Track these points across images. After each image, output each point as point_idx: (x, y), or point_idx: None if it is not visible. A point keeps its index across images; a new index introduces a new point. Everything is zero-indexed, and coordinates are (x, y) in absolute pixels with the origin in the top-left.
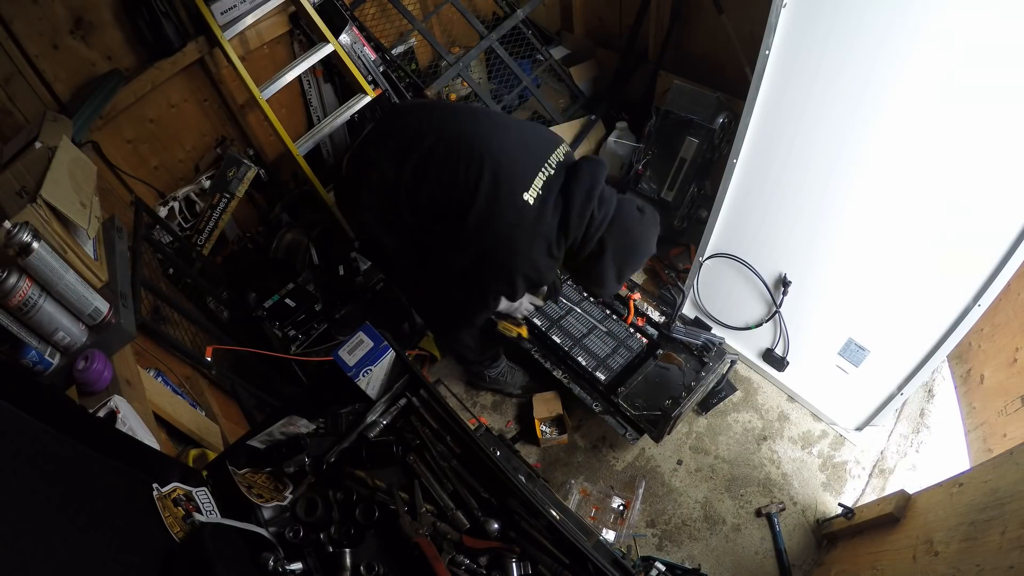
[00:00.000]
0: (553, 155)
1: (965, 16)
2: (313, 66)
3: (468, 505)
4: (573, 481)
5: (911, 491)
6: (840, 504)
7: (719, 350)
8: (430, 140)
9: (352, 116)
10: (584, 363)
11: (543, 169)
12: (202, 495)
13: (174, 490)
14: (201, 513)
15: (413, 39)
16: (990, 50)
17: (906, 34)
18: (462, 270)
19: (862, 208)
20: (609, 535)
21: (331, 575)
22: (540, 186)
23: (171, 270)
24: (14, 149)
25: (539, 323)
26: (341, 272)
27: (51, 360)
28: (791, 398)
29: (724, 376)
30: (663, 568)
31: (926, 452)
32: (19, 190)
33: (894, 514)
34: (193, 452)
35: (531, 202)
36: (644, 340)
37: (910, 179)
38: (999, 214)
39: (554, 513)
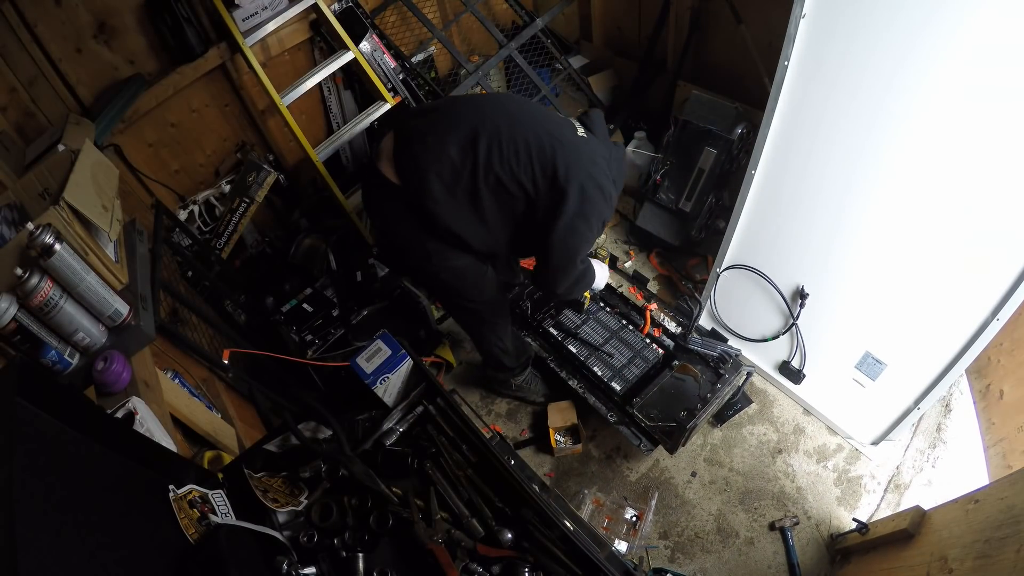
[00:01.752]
0: (563, 115)
1: (988, 25)
2: (333, 73)
3: (483, 514)
4: (586, 491)
5: (926, 507)
6: (854, 519)
7: (735, 362)
8: (489, 123)
9: (372, 123)
10: (600, 373)
11: (568, 120)
12: (218, 497)
13: (190, 492)
14: (216, 515)
15: (433, 47)
16: (1013, 61)
17: (926, 45)
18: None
19: (880, 220)
20: (621, 546)
21: None
22: (579, 127)
23: (190, 273)
24: (37, 151)
25: (555, 333)
26: (359, 278)
27: (71, 360)
28: (807, 411)
29: (740, 388)
30: None
31: (942, 468)
32: (42, 192)
33: (909, 530)
34: (209, 454)
35: (584, 135)
36: (660, 351)
37: (929, 191)
38: (1018, 227)
39: (568, 524)
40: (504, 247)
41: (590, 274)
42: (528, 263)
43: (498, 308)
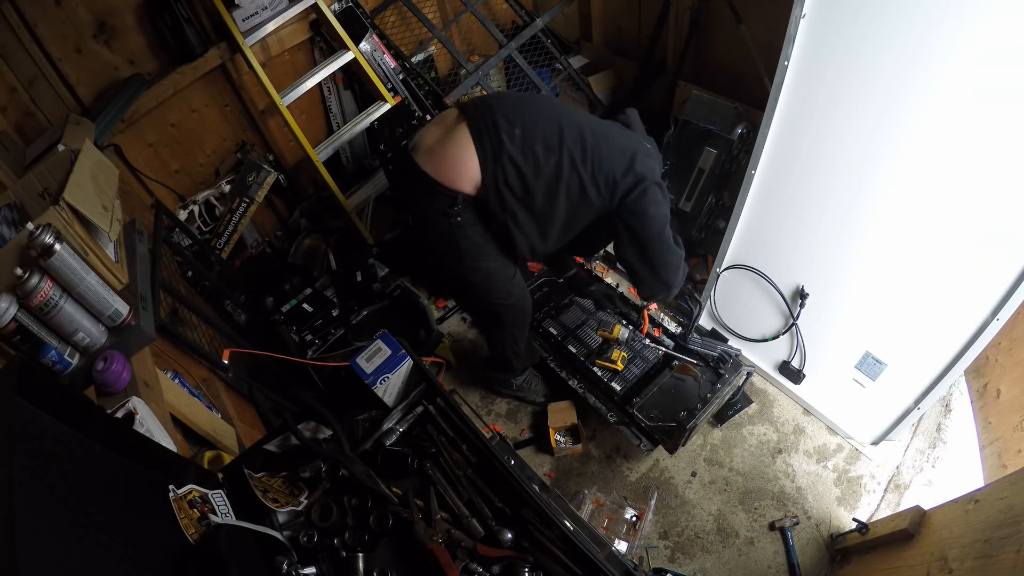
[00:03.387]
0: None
1: (988, 25)
2: (333, 73)
3: (483, 514)
4: (586, 491)
5: (927, 507)
6: (854, 519)
7: (735, 362)
8: (572, 123)
9: (372, 123)
10: (600, 373)
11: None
12: (217, 497)
13: (190, 492)
14: (216, 515)
15: (433, 47)
16: (1012, 61)
17: (926, 45)
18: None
19: (881, 220)
20: (621, 546)
21: None
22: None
23: (190, 273)
24: (37, 151)
25: (555, 332)
26: (359, 278)
27: (71, 360)
28: (807, 411)
29: (740, 388)
30: None
31: (942, 467)
32: (42, 192)
33: (909, 530)
34: (209, 454)
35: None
36: (660, 351)
37: (929, 191)
38: (1019, 227)
39: (568, 524)
40: (551, 246)
41: (682, 254)
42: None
43: (519, 313)
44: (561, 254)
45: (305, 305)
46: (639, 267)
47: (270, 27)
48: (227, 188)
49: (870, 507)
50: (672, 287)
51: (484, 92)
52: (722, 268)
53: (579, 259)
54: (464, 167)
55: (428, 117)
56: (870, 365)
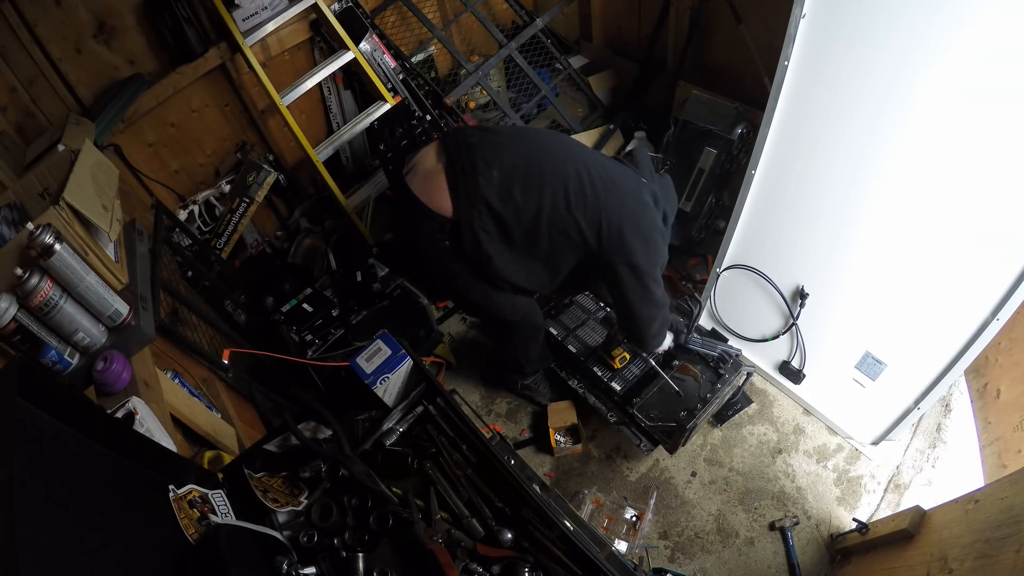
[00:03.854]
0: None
1: (987, 25)
2: (333, 73)
3: (482, 514)
4: (586, 491)
5: (926, 507)
6: (854, 519)
7: (735, 362)
8: (559, 167)
9: (372, 123)
10: (600, 373)
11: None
12: (217, 497)
13: (190, 492)
14: (216, 515)
15: (433, 47)
16: (1011, 61)
17: (926, 45)
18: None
19: (880, 220)
20: (621, 546)
21: None
22: (623, 160)
23: (190, 273)
24: (37, 151)
25: (555, 332)
26: (359, 278)
27: (71, 360)
28: (807, 411)
29: (740, 388)
30: None
31: (942, 467)
32: (42, 192)
33: (909, 530)
34: (208, 454)
35: (631, 169)
36: (660, 351)
37: (929, 191)
38: (1018, 227)
39: (568, 524)
40: (546, 287)
41: (666, 312)
42: None
43: (529, 328)
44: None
45: (305, 305)
46: (618, 310)
47: (270, 27)
48: (227, 188)
49: (870, 507)
50: (646, 341)
51: (483, 92)
52: (722, 268)
53: None
54: (445, 199)
55: (428, 117)
56: (870, 365)
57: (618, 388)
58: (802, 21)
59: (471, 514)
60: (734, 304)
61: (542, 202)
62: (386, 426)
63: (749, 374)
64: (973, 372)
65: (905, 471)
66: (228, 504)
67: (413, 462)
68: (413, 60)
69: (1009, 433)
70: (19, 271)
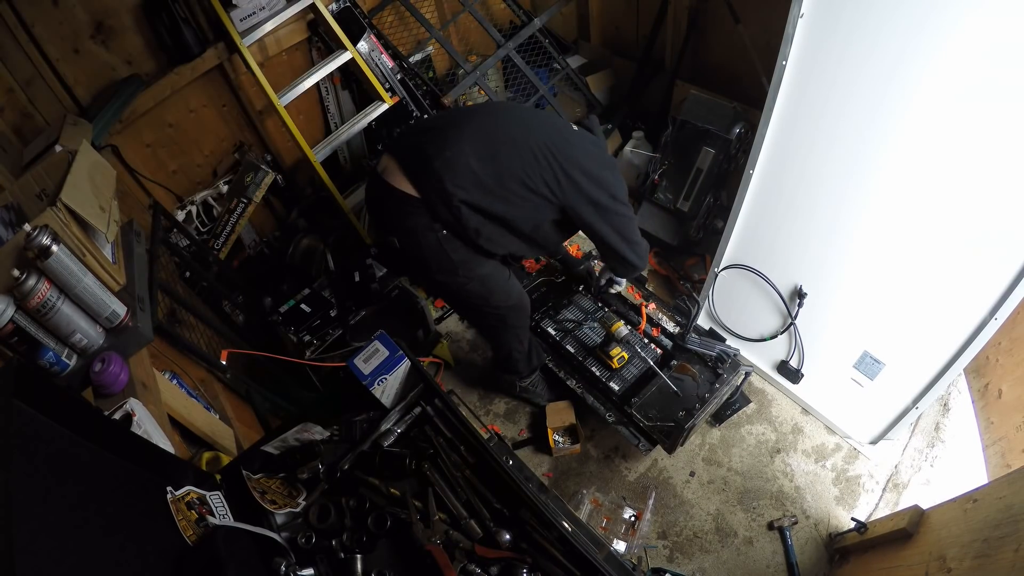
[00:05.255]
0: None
1: (986, 24)
2: (331, 73)
3: (481, 515)
4: (585, 491)
5: (925, 506)
6: (853, 518)
7: (733, 362)
8: (503, 132)
9: (370, 123)
10: (598, 373)
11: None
12: (215, 499)
13: (188, 493)
14: (214, 517)
15: (431, 47)
16: (1010, 61)
17: (924, 44)
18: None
19: (878, 220)
20: (620, 546)
21: None
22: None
23: (188, 274)
24: (34, 152)
25: (553, 332)
26: (357, 278)
27: (68, 362)
28: (805, 411)
29: (738, 388)
30: None
31: (941, 467)
32: (39, 193)
33: (907, 529)
34: (207, 455)
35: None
36: (658, 350)
37: (927, 190)
38: (1017, 226)
39: (566, 525)
40: (532, 247)
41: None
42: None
43: (521, 312)
44: (542, 250)
45: (303, 305)
46: (598, 246)
47: (268, 27)
48: (225, 188)
49: (868, 506)
50: (634, 265)
51: (481, 92)
52: (720, 268)
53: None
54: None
55: (426, 117)
56: (868, 364)
57: (616, 388)
58: (800, 21)
59: (469, 515)
60: (732, 304)
61: (500, 166)
62: (384, 427)
63: (747, 374)
64: (974, 372)
65: (903, 470)
66: (226, 505)
67: (411, 463)
68: (411, 60)
69: (1012, 433)
70: (16, 272)
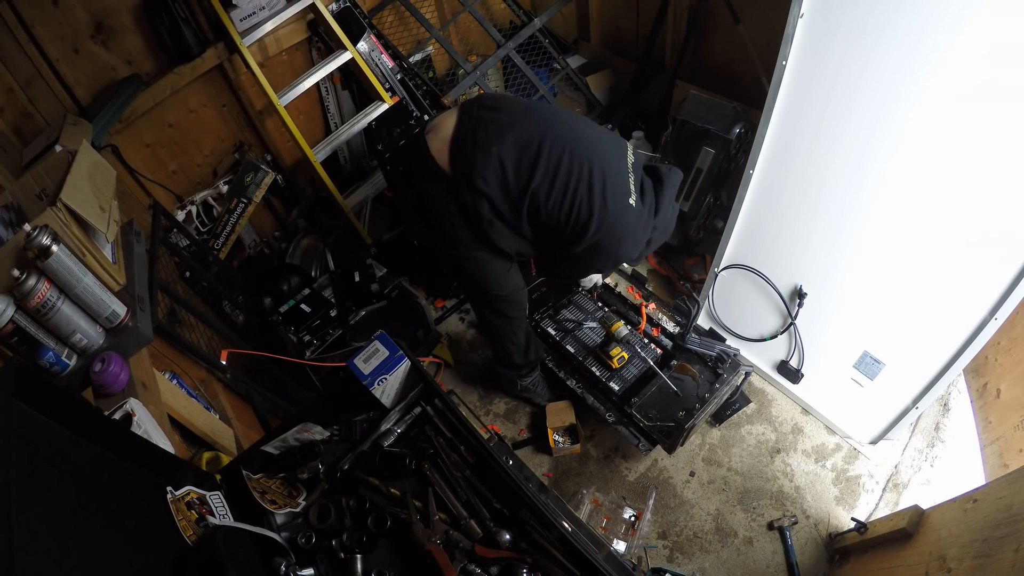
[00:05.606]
0: (628, 156)
1: (987, 24)
2: (331, 73)
3: (481, 515)
4: (585, 491)
5: (925, 506)
6: (853, 518)
7: (733, 362)
8: (548, 150)
9: (370, 123)
10: (598, 373)
11: (630, 173)
12: (215, 499)
13: (188, 493)
14: (214, 517)
15: (431, 47)
16: (1010, 61)
17: (925, 44)
18: (571, 256)
19: (879, 220)
20: (620, 546)
21: None
22: (636, 190)
23: (188, 274)
24: (34, 152)
25: (553, 332)
26: (357, 278)
27: (68, 362)
28: (805, 411)
29: (738, 388)
30: None
31: (941, 467)
32: (39, 193)
33: (907, 529)
34: (207, 455)
35: (635, 205)
36: (658, 350)
37: (927, 190)
38: (1017, 226)
39: (566, 525)
40: (535, 250)
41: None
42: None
43: (515, 305)
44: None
45: (303, 305)
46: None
47: (268, 27)
48: (225, 188)
49: (868, 506)
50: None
51: (481, 92)
52: (720, 268)
53: None
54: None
55: (426, 117)
56: (868, 364)
57: (616, 388)
58: (800, 21)
59: (469, 515)
60: (732, 304)
61: (529, 184)
62: (384, 427)
63: (747, 374)
64: (973, 372)
65: (903, 470)
66: (226, 505)
67: (411, 463)
68: (411, 60)
69: (1010, 432)
70: (16, 272)
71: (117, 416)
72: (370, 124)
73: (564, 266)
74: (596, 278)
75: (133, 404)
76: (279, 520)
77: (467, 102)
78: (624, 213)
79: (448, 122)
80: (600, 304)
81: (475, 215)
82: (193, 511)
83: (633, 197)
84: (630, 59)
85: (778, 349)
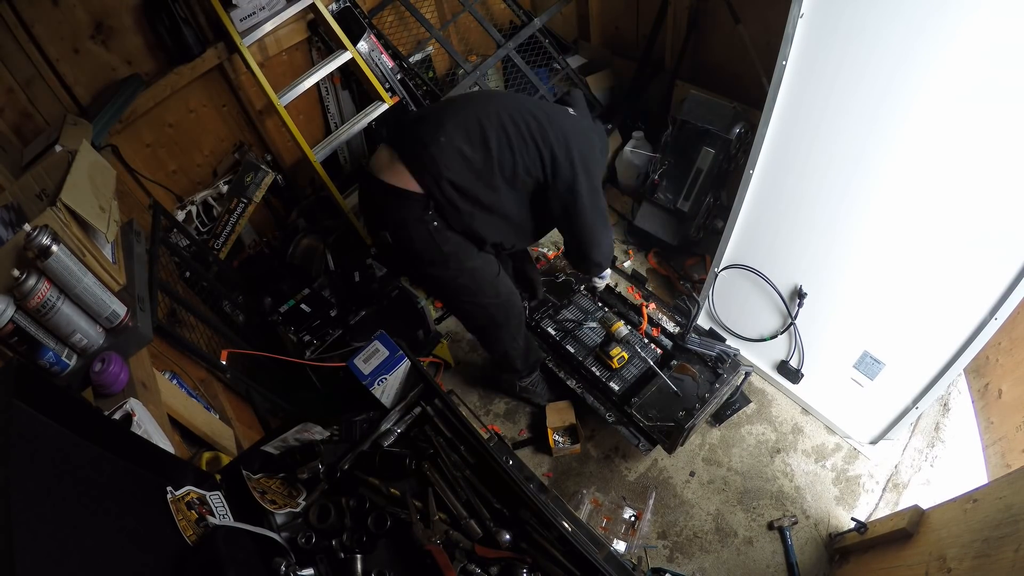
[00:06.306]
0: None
1: (986, 24)
2: (331, 73)
3: (481, 515)
4: (585, 491)
5: (925, 506)
6: (853, 518)
7: (733, 362)
8: (494, 118)
9: (370, 123)
10: (598, 373)
11: (551, 101)
12: (215, 499)
13: (188, 493)
14: (214, 517)
15: (431, 47)
16: (1010, 62)
17: (925, 44)
18: (579, 207)
19: (879, 219)
20: (620, 546)
21: None
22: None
23: (188, 274)
24: (34, 152)
25: (553, 332)
26: (357, 278)
27: (68, 362)
28: (805, 411)
29: (738, 388)
30: None
31: (941, 467)
32: (39, 193)
33: (907, 529)
34: (207, 455)
35: (574, 113)
36: (658, 351)
37: (927, 190)
38: (1017, 226)
39: (566, 525)
40: (519, 236)
41: (610, 238)
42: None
43: (512, 308)
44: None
45: (303, 305)
46: (569, 237)
47: (268, 27)
48: (225, 188)
49: (868, 506)
50: (595, 262)
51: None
52: (720, 268)
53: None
54: (412, 181)
55: (419, 108)
56: (868, 364)
57: (616, 388)
58: (800, 21)
59: (469, 515)
60: (732, 304)
61: (489, 153)
62: (384, 427)
63: (747, 374)
64: (974, 372)
65: (903, 470)
66: (226, 505)
67: (411, 463)
68: (411, 60)
69: (1012, 433)
70: (16, 272)
71: (117, 416)
72: (370, 124)
73: (580, 227)
74: (607, 274)
75: (133, 404)
76: (279, 520)
77: (388, 134)
78: (576, 123)
79: (386, 152)
80: (600, 304)
81: (454, 212)
82: (193, 511)
83: (569, 111)
84: (630, 59)
85: (778, 349)
